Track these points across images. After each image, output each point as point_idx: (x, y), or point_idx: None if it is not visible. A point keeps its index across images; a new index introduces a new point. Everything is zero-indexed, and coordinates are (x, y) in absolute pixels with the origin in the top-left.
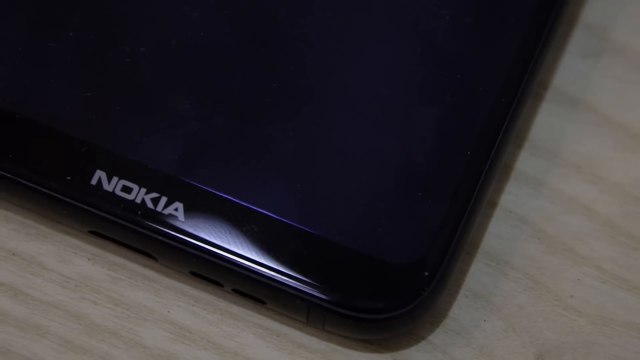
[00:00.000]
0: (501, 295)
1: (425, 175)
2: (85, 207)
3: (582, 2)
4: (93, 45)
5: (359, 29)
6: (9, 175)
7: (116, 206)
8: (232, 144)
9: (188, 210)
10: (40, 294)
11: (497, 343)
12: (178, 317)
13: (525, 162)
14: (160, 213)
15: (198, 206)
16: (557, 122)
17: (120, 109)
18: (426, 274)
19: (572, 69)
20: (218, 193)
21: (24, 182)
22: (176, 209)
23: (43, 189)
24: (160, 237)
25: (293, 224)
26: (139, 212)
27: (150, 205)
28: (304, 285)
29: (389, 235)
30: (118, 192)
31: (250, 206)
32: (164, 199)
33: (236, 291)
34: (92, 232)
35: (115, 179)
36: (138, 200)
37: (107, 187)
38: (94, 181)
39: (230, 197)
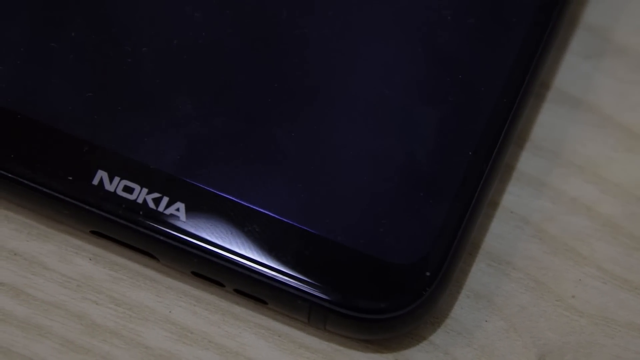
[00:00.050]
0: (503, 296)
1: (426, 176)
2: (87, 207)
3: (583, 2)
4: (95, 45)
5: (361, 29)
6: (10, 175)
7: (118, 206)
8: (233, 144)
9: (189, 211)
10: (42, 294)
11: (498, 343)
12: (179, 317)
13: (527, 162)
14: (161, 213)
15: (200, 206)
16: (559, 123)
17: (122, 109)
18: (428, 274)
19: (574, 70)
20: (220, 193)
21: (25, 182)
22: (178, 209)
23: (44, 189)
24: (161, 237)
25: (294, 224)
26: (141, 212)
27: (151, 205)
28: (306, 286)
29: (390, 236)
30: (120, 192)
31: (252, 206)
32: (165, 199)
33: (237, 291)
34: (94, 232)
35: (116, 179)
36: (140, 201)
37: (109, 187)
38: (95, 181)
39: (231, 197)
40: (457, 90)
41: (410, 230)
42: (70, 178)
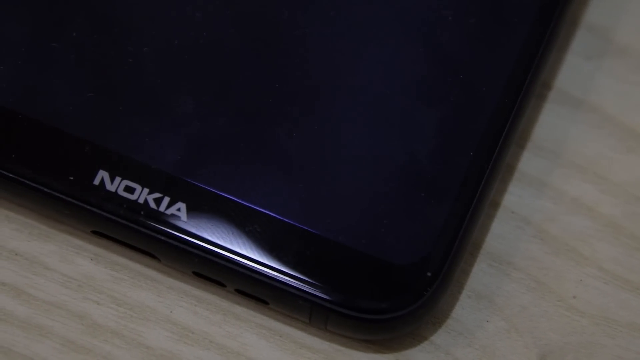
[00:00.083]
0: (504, 296)
1: (428, 176)
2: (88, 207)
3: (585, 3)
4: (96, 45)
5: (362, 30)
6: (11, 175)
7: (119, 206)
8: (235, 144)
9: (191, 211)
10: (43, 294)
11: (499, 344)
12: (181, 317)
13: (528, 162)
14: (163, 213)
15: (201, 206)
16: (560, 123)
17: (123, 109)
18: (429, 274)
19: (575, 70)
20: (221, 193)
21: (26, 182)
22: (179, 209)
23: (45, 189)
24: (162, 237)
25: (296, 224)
26: (142, 212)
27: (153, 205)
28: (307, 286)
29: (391, 236)
30: (121, 192)
31: (253, 206)
32: (166, 199)
33: (239, 291)
34: (95, 232)
35: (118, 179)
36: (141, 201)
37: (110, 187)
38: (96, 181)
39: (233, 198)
40: (458, 90)
41: (411, 231)
42: (72, 178)
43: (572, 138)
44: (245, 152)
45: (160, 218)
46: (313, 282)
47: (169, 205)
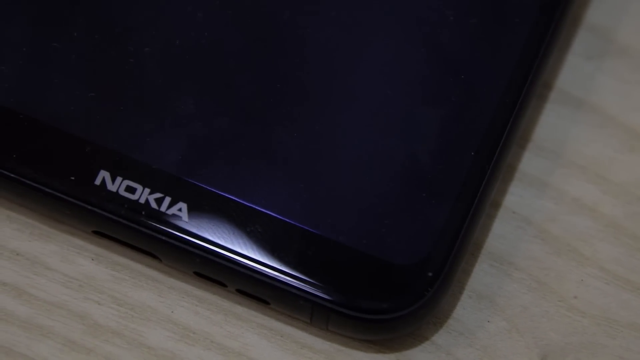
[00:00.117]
0: (505, 296)
1: (429, 176)
2: (89, 207)
3: (586, 3)
4: (97, 45)
5: (363, 30)
6: (12, 175)
7: (120, 206)
8: (236, 144)
9: (192, 211)
10: (44, 294)
11: (500, 344)
12: (182, 317)
13: (529, 162)
14: (164, 213)
15: (202, 206)
16: (561, 123)
17: (124, 109)
18: (430, 274)
19: (576, 70)
20: (222, 193)
21: (27, 182)
22: (180, 209)
23: (47, 189)
24: (164, 238)
25: (297, 224)
26: (143, 212)
27: (154, 205)
28: (308, 286)
29: (392, 236)
30: (122, 192)
31: (254, 206)
32: (167, 199)
33: (240, 291)
34: (96, 232)
35: (119, 179)
36: (142, 201)
37: (111, 187)
38: (97, 181)
39: (234, 198)
40: (460, 90)
41: (413, 231)
42: (73, 178)
43: (573, 138)
44: (246, 152)
45: (162, 218)
46: (314, 282)
47: (170, 205)
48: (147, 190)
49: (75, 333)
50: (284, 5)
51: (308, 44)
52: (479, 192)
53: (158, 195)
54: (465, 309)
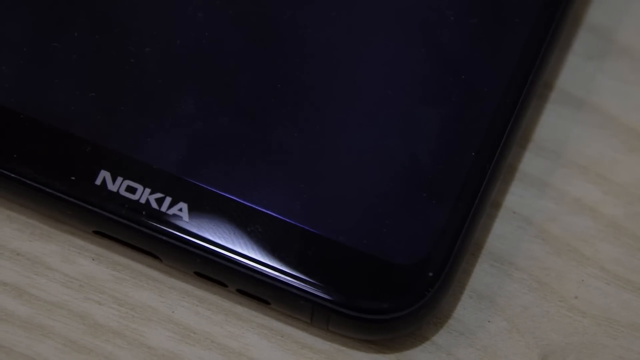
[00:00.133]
0: (505, 296)
1: (429, 176)
2: (90, 207)
3: (586, 3)
4: (97, 45)
5: (363, 30)
6: (13, 175)
7: (120, 206)
8: (236, 144)
9: (192, 211)
10: (44, 294)
11: (501, 344)
12: (182, 317)
13: (530, 162)
14: (164, 213)
15: (202, 206)
16: (562, 123)
17: (125, 109)
18: (430, 274)
19: (577, 70)
20: (222, 193)
21: (28, 182)
22: (180, 209)
23: (47, 189)
24: (164, 238)
25: (297, 224)
26: (144, 212)
27: (154, 205)
28: (308, 286)
29: (393, 236)
30: (122, 192)
31: (255, 206)
32: (168, 199)
33: (240, 291)
34: (97, 232)
35: (119, 179)
36: (142, 201)
37: (112, 187)
38: (98, 181)
39: (234, 198)
40: (460, 90)
41: (413, 231)
42: (73, 178)
43: (573, 138)
44: (246, 152)
45: (162, 218)
46: (315, 282)
47: (170, 205)
48: (148, 190)
49: (75, 333)
50: (285, 6)
51: (308, 44)
52: (479, 192)
53: (159, 195)
54: (466, 309)
